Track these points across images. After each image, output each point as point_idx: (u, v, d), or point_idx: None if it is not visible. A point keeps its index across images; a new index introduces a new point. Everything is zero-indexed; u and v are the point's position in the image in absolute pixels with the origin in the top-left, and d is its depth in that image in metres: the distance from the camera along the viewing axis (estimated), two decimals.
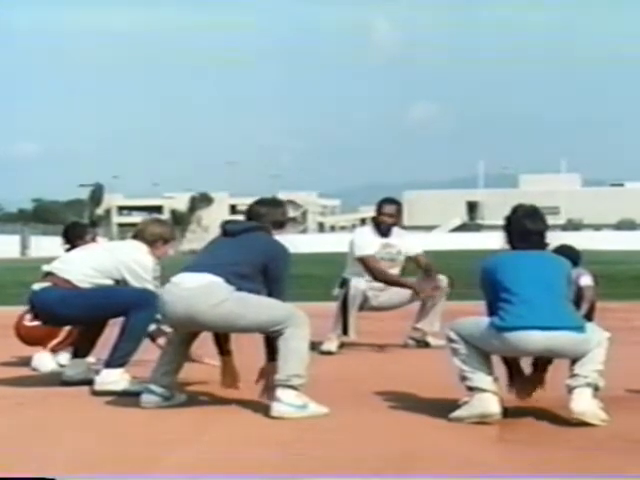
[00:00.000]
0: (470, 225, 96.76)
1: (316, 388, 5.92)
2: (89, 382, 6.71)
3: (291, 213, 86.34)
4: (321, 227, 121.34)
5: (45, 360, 7.70)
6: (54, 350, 7.75)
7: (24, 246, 57.42)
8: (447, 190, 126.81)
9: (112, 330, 6.84)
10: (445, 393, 6.13)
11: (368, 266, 8.91)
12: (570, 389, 5.50)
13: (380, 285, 9.03)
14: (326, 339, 8.79)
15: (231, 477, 4.50)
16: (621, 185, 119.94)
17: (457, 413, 5.59)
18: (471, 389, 5.58)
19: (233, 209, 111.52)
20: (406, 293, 8.98)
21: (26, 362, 7.87)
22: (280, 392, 5.74)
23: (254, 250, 6.07)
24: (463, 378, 5.63)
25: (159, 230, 7.01)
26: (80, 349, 7.04)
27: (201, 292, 5.84)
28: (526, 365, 5.97)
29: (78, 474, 4.51)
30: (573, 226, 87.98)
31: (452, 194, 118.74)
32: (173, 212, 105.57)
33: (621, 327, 9.44)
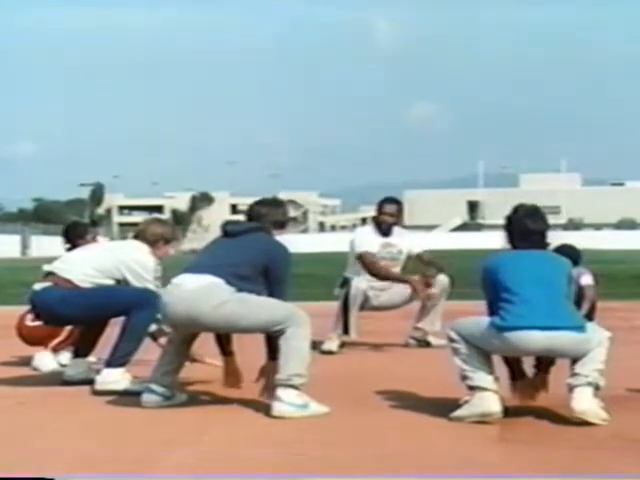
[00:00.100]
0: (471, 224, 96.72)
1: (317, 387, 5.92)
2: (90, 382, 6.71)
3: (292, 213, 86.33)
4: (322, 227, 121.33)
5: (46, 360, 7.70)
6: (55, 350, 7.75)
7: (24, 246, 57.39)
8: (448, 190, 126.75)
9: (113, 330, 6.84)
10: (446, 392, 6.13)
11: (364, 262, 8.91)
12: (571, 388, 5.50)
13: (381, 285, 9.03)
14: (327, 338, 8.79)
15: (231, 477, 4.50)
16: (622, 184, 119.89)
17: (458, 412, 5.59)
18: (472, 388, 5.58)
19: (234, 209, 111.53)
20: (407, 293, 8.98)
21: (27, 362, 7.87)
22: (281, 391, 5.74)
23: (254, 251, 6.06)
24: (464, 377, 5.63)
25: (160, 230, 7.01)
26: (81, 349, 7.05)
27: (202, 293, 5.84)
28: (528, 366, 5.97)
29: (78, 474, 4.51)
30: (574, 225, 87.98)
31: (453, 193, 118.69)
32: (174, 212, 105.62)
33: (622, 326, 9.44)
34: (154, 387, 6.09)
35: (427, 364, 7.94)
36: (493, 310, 5.64)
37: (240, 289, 5.89)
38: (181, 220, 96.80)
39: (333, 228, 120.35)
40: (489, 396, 5.52)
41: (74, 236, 7.87)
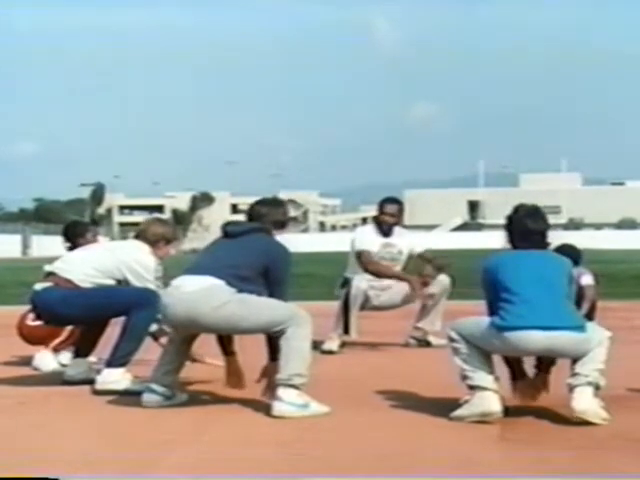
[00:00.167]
0: (471, 224, 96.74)
1: (317, 387, 5.93)
2: (90, 382, 6.71)
3: (292, 212, 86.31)
4: (322, 226, 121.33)
5: (46, 359, 7.70)
6: (56, 349, 7.75)
7: (25, 246, 57.41)
8: (448, 189, 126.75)
9: (114, 330, 6.85)
10: (446, 392, 6.13)
11: (362, 260, 8.91)
12: (571, 388, 5.50)
13: (381, 284, 9.03)
14: (327, 338, 8.79)
15: (231, 477, 4.50)
16: (622, 184, 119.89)
17: (458, 412, 5.59)
18: (472, 388, 5.58)
19: (234, 208, 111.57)
20: (407, 293, 8.98)
21: (27, 361, 7.87)
22: (281, 391, 5.74)
23: (255, 252, 6.06)
24: (464, 377, 5.63)
25: (161, 230, 7.01)
26: (81, 349, 7.05)
27: (202, 295, 5.84)
28: (529, 366, 5.97)
29: (79, 474, 4.51)
30: (574, 225, 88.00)
31: (453, 193, 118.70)
32: (174, 211, 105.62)
33: (622, 326, 9.44)
34: (155, 387, 6.09)
35: (427, 364, 7.94)
36: (493, 310, 5.64)
37: (240, 290, 5.89)
38: (182, 220, 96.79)
39: (333, 228, 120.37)
40: (489, 396, 5.52)
41: (74, 235, 7.87)
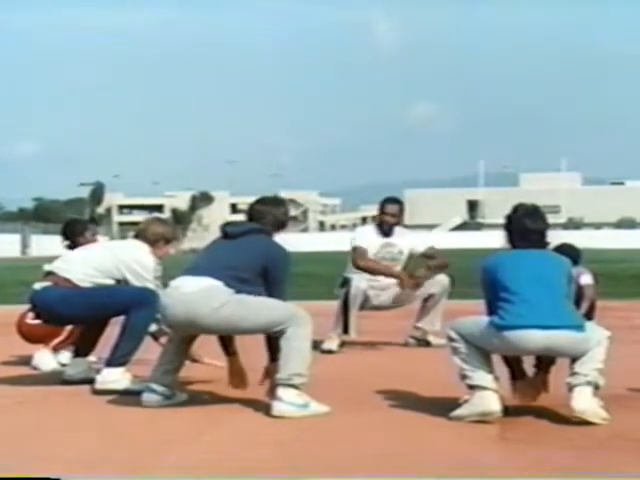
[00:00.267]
0: (471, 224, 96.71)
1: (317, 387, 5.93)
2: (90, 381, 6.71)
3: (292, 212, 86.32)
4: (322, 226, 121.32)
5: (46, 359, 7.70)
6: (56, 349, 7.75)
7: (25, 245, 57.40)
8: (448, 189, 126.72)
9: (113, 329, 6.84)
10: (446, 392, 6.13)
11: (354, 256, 8.91)
12: (570, 387, 5.50)
13: (381, 284, 9.03)
14: (327, 338, 8.79)
15: (231, 477, 4.50)
16: (621, 184, 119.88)
17: (458, 412, 5.59)
18: (472, 387, 5.58)
19: (234, 208, 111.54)
20: (407, 292, 8.97)
21: (26, 361, 7.87)
22: (281, 391, 5.74)
23: (254, 253, 6.05)
24: (463, 377, 5.63)
25: (161, 230, 7.01)
26: (81, 348, 7.05)
27: (201, 296, 5.84)
28: (528, 366, 5.97)
29: (79, 474, 4.51)
30: (574, 225, 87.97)
31: (453, 193, 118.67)
32: (174, 211, 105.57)
33: (621, 326, 9.44)
34: (154, 386, 6.09)
35: (427, 363, 7.94)
36: (492, 310, 5.64)
37: (239, 291, 5.89)
38: (181, 219, 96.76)
39: (333, 227, 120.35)
40: (489, 395, 5.52)
41: (72, 234, 7.86)
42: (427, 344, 9.07)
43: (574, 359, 5.55)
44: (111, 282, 6.76)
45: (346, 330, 8.86)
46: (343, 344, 8.92)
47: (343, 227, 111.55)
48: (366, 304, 9.00)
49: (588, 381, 5.47)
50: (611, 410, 5.49)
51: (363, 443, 5.11)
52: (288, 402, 5.70)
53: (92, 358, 7.13)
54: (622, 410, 5.73)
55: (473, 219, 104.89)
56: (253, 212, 6.32)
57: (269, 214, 6.28)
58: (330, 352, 8.69)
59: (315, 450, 4.96)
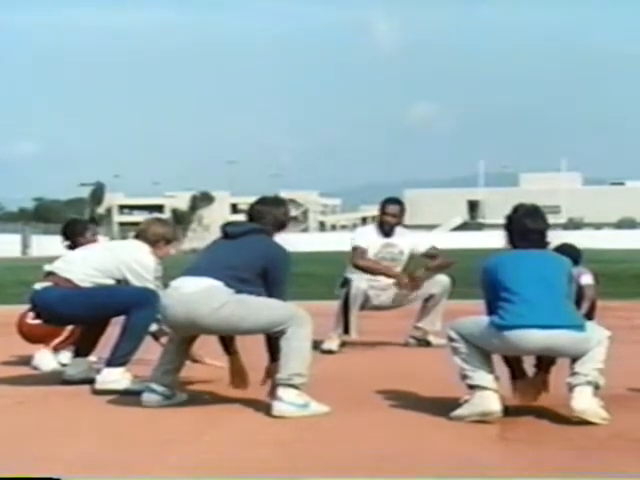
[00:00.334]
0: (471, 224, 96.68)
1: (317, 387, 5.93)
2: (90, 381, 6.71)
3: (292, 212, 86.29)
4: (322, 226, 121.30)
5: (46, 359, 7.70)
6: (56, 349, 7.75)
7: (25, 245, 57.37)
8: (448, 189, 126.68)
9: (114, 329, 6.85)
10: (446, 392, 6.13)
11: (353, 255, 8.92)
12: (571, 387, 5.50)
13: (381, 284, 9.03)
14: (327, 338, 8.79)
15: (231, 477, 4.50)
16: (622, 184, 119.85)
17: (458, 412, 5.59)
18: (472, 387, 5.59)
19: (234, 208, 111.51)
20: (404, 293, 8.97)
21: (27, 361, 7.87)
22: (281, 391, 5.74)
23: (254, 253, 6.05)
24: (464, 377, 5.63)
25: (161, 230, 7.01)
26: (81, 348, 7.05)
27: (201, 296, 5.84)
28: (529, 366, 5.97)
29: (79, 473, 4.51)
30: (574, 225, 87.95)
31: (453, 193, 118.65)
32: (174, 211, 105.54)
33: (622, 326, 9.44)
34: (154, 386, 6.09)
35: (427, 363, 7.94)
36: (492, 309, 5.64)
37: (239, 291, 5.89)
38: (181, 219, 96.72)
39: (333, 227, 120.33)
40: (489, 395, 5.52)
41: (72, 234, 7.86)
42: (427, 344, 9.07)
43: (574, 359, 5.56)
44: (111, 282, 6.76)
45: (346, 330, 8.86)
46: (343, 344, 8.92)
47: (343, 227, 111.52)
48: (366, 304, 9.00)
49: (588, 381, 5.47)
50: (611, 410, 5.49)
51: (363, 443, 5.11)
52: (288, 402, 5.70)
53: (92, 358, 7.13)
54: (622, 410, 5.73)
55: (473, 219, 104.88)
56: (253, 212, 6.32)
57: (269, 214, 6.28)
58: (330, 352, 8.69)
59: (315, 450, 4.96)
